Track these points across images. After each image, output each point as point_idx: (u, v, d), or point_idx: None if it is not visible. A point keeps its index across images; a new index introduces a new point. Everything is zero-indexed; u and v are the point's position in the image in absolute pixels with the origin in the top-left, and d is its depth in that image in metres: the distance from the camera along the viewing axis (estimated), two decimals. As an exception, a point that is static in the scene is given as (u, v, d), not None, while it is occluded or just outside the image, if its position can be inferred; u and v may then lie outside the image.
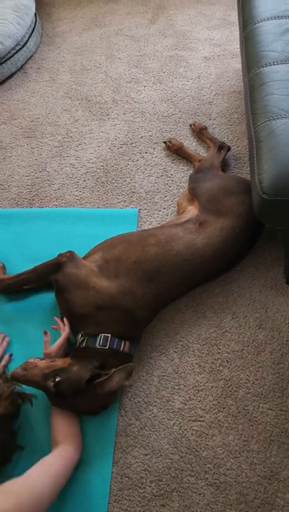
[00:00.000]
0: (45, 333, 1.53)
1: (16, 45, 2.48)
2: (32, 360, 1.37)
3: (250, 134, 1.46)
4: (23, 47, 2.52)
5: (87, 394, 1.32)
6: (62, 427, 1.35)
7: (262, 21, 1.65)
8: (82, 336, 1.44)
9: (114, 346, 1.40)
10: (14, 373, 1.33)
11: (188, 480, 1.36)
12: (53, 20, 2.85)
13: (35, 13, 2.68)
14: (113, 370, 1.32)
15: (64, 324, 1.51)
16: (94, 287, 1.47)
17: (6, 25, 2.42)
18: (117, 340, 1.41)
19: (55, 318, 1.57)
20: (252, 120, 1.45)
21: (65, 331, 1.49)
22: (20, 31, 2.47)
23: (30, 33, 2.58)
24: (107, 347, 1.39)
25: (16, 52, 2.48)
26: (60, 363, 1.37)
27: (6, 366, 1.51)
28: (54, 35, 2.75)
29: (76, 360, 1.38)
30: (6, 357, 1.54)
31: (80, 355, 1.40)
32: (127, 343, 1.43)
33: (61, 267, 1.53)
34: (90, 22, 2.80)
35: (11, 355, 1.55)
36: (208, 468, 1.37)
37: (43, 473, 1.19)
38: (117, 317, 1.45)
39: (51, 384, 1.30)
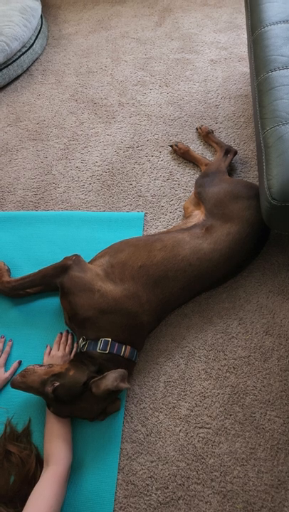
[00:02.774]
0: (47, 346, 1.57)
1: (22, 47, 2.48)
2: (31, 366, 1.38)
3: (259, 139, 1.45)
4: (29, 49, 2.52)
5: (85, 397, 1.32)
6: (51, 437, 1.33)
7: (270, 25, 1.64)
8: (83, 340, 1.44)
9: (115, 351, 1.39)
10: (14, 381, 1.34)
11: (194, 488, 1.34)
12: (59, 23, 2.85)
13: (41, 15, 2.68)
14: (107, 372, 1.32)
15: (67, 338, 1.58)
16: (99, 291, 1.46)
17: (13, 27, 2.42)
18: (117, 344, 1.40)
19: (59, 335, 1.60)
20: (260, 125, 1.44)
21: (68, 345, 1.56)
22: (26, 33, 2.47)
23: (36, 35, 2.58)
24: (107, 351, 1.39)
25: (22, 54, 2.48)
26: (57, 368, 1.37)
27: (13, 373, 1.52)
28: (60, 37, 2.75)
29: (73, 364, 1.38)
30: (15, 364, 1.54)
31: (78, 360, 1.40)
32: (128, 348, 1.41)
33: (67, 270, 1.52)
34: (96, 24, 2.79)
35: (20, 363, 1.55)
36: (215, 476, 1.36)
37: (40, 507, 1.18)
38: (120, 321, 1.44)
39: (50, 390, 1.30)
